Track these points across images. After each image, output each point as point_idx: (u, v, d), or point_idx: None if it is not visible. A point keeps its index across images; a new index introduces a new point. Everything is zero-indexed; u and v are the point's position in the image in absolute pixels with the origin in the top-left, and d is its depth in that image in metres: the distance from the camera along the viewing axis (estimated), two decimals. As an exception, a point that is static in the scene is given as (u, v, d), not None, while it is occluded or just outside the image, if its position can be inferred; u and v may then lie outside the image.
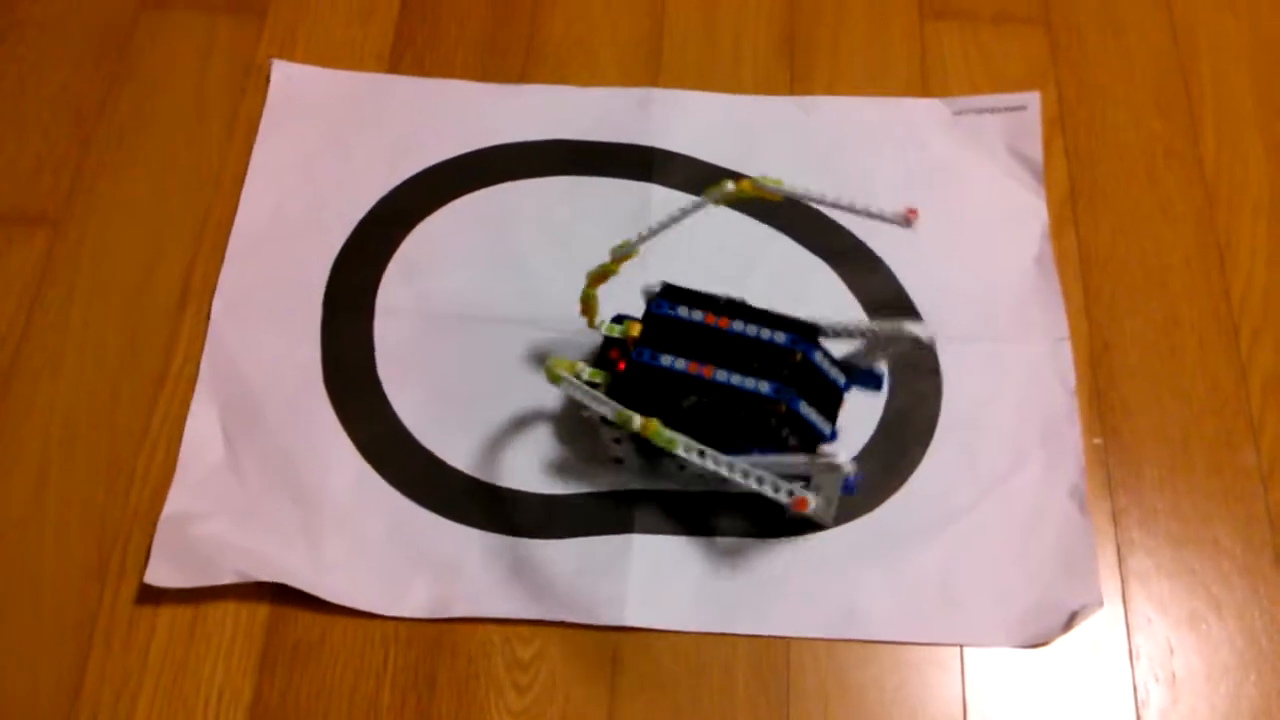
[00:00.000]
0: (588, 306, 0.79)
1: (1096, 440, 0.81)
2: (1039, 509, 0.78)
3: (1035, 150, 0.92)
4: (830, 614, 0.75)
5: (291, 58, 0.96)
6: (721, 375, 0.72)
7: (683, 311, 0.75)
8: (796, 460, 0.71)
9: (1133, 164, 0.92)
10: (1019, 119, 0.93)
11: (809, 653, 0.74)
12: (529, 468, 0.80)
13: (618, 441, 0.77)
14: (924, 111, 0.94)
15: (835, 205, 0.68)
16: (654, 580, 0.76)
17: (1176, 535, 0.78)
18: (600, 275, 0.76)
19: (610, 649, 0.74)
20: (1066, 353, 0.84)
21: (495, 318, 0.85)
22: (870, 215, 0.68)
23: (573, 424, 0.81)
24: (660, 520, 0.78)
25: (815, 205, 0.70)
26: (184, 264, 0.86)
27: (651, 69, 0.96)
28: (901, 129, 0.93)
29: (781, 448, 0.72)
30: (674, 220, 0.72)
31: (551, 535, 0.77)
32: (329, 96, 0.94)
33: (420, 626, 0.75)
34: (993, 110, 0.94)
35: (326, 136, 0.92)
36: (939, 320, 0.84)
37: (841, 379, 0.75)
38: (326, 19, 0.98)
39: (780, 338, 0.73)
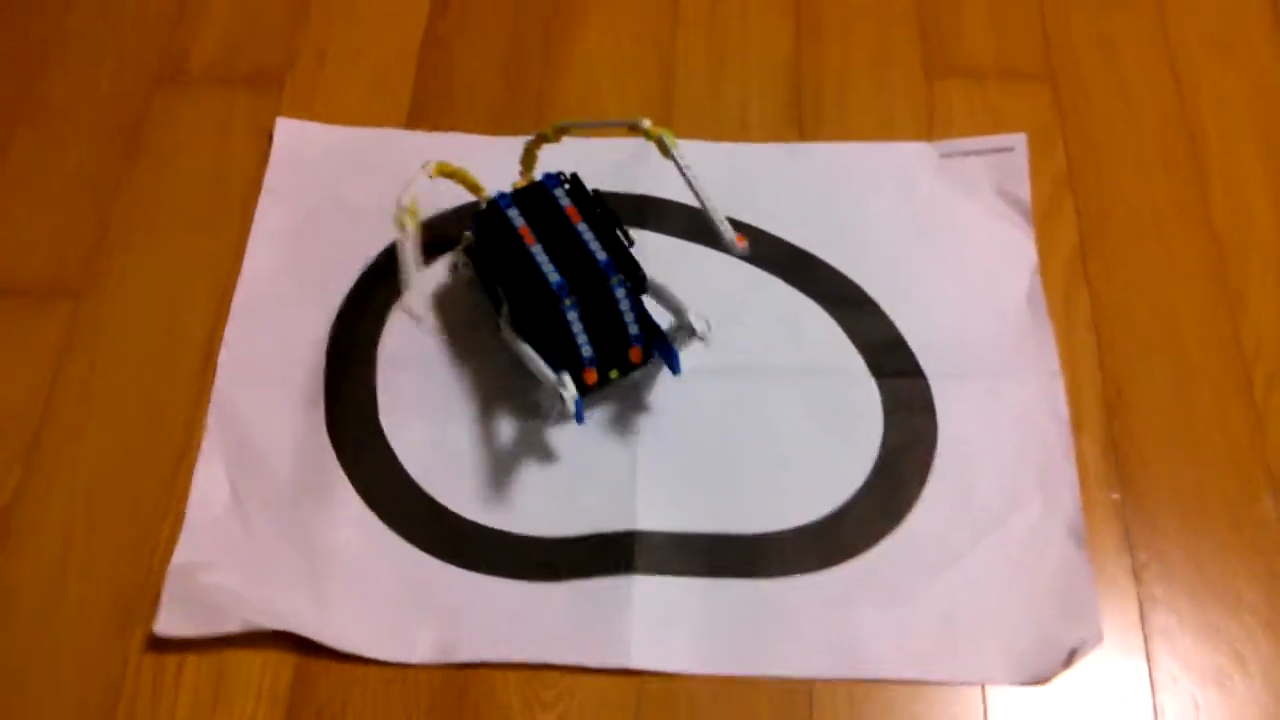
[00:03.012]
0: (526, 162, 0.86)
1: (1114, 496, 0.81)
2: (1037, 546, 0.79)
3: (1023, 190, 0.93)
4: (832, 654, 0.75)
5: (308, 126, 0.97)
6: (536, 249, 0.79)
7: (559, 193, 0.82)
8: (536, 362, 0.79)
9: (1142, 218, 0.93)
10: (1006, 160, 0.95)
11: (830, 712, 0.74)
12: (532, 512, 0.80)
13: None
14: (912, 155, 0.96)
15: (697, 195, 0.77)
16: (657, 622, 0.76)
17: (1198, 591, 0.78)
18: (541, 139, 0.84)
19: (630, 711, 0.74)
20: (1059, 387, 0.85)
21: (496, 365, 0.86)
22: (714, 224, 0.76)
23: (575, 468, 0.82)
24: (662, 561, 0.78)
25: (687, 185, 0.77)
26: (204, 333, 0.87)
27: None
28: (891, 172, 0.95)
29: (538, 340, 0.80)
30: (607, 124, 0.82)
31: (555, 579, 0.78)
32: (333, 151, 0.96)
33: (440, 691, 0.75)
34: (979, 153, 0.95)
35: (330, 190, 0.94)
36: (934, 359, 0.86)
37: (636, 329, 0.80)
38: (344, 88, 1.00)
39: (602, 257, 0.79)
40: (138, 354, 0.87)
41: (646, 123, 0.78)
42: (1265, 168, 0.95)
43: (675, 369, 0.83)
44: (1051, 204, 0.93)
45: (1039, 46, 1.01)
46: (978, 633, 0.76)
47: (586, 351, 0.79)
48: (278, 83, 1.00)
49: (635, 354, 0.81)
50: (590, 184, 0.83)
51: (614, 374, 0.82)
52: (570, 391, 0.77)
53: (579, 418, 0.79)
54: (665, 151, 0.78)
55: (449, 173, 0.84)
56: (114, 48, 1.01)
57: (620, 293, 0.79)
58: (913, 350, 0.86)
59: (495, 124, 0.97)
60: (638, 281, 0.80)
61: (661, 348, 0.83)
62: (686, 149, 0.93)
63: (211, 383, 0.85)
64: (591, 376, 0.81)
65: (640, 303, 0.81)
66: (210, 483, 0.81)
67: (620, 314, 0.79)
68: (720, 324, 0.86)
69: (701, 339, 0.80)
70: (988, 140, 0.96)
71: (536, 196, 0.82)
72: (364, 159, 0.95)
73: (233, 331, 0.87)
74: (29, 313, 0.88)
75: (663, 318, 0.83)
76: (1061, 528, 0.79)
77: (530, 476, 0.82)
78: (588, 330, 0.79)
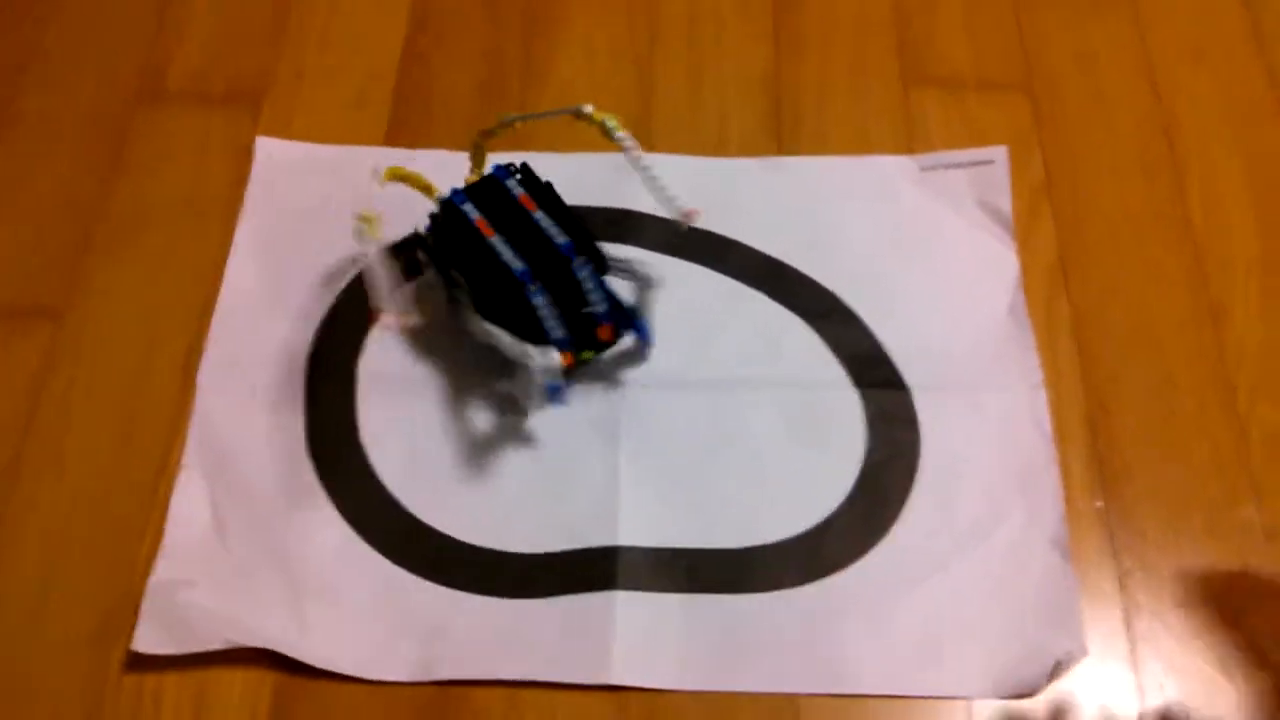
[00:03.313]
0: (476, 158, 0.86)
1: (1098, 504, 0.81)
2: (1021, 559, 0.78)
3: (1004, 203, 0.93)
4: (815, 669, 0.75)
5: (286, 145, 0.97)
6: (495, 240, 0.79)
7: (511, 184, 0.82)
8: (509, 341, 0.78)
9: (1121, 227, 0.93)
10: (987, 173, 0.95)
11: (819, 728, 0.73)
12: (511, 528, 0.80)
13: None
14: (893, 168, 0.96)
15: (646, 175, 0.77)
16: (638, 638, 0.76)
17: (1182, 597, 0.78)
18: (489, 132, 0.84)
19: (616, 730, 0.74)
20: (1042, 399, 0.84)
21: (477, 380, 0.86)
22: (663, 200, 0.77)
23: (556, 484, 0.82)
24: (643, 577, 0.78)
25: (631, 162, 0.77)
26: (183, 352, 0.87)
27: (641, 144, 0.97)
28: (871, 186, 0.95)
29: (508, 324, 0.79)
30: (551, 114, 0.80)
31: (535, 595, 0.78)
32: (312, 169, 0.96)
33: (422, 710, 0.74)
34: (960, 165, 0.95)
35: (309, 207, 0.94)
36: (916, 371, 0.86)
37: (603, 307, 0.81)
38: (322, 107, 0.99)
39: (562, 240, 0.79)
40: (118, 372, 0.86)
41: (589, 108, 0.78)
42: (1243, 174, 0.95)
43: (645, 339, 0.84)
44: (1030, 214, 0.93)
45: (1016, 57, 1.02)
46: (962, 646, 0.75)
47: (558, 334, 0.79)
48: (256, 99, 0.99)
49: (604, 331, 0.82)
50: (569, 198, 0.83)
51: (587, 354, 0.83)
52: (555, 358, 0.77)
53: (555, 396, 0.79)
54: (608, 135, 0.78)
55: (400, 177, 0.84)
56: (95, 64, 1.01)
57: (584, 273, 0.79)
58: (895, 363, 0.86)
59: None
60: (599, 261, 0.80)
61: (630, 324, 0.84)
62: (665, 163, 0.95)
63: (192, 400, 0.85)
64: (566, 359, 0.81)
65: (604, 281, 0.81)
66: (190, 499, 0.81)
67: (585, 294, 0.80)
68: (701, 339, 0.86)
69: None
70: (968, 153, 0.96)
71: (489, 189, 0.83)
72: (343, 176, 0.95)
73: (212, 347, 0.87)
74: (8, 332, 0.88)
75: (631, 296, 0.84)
76: (1045, 539, 0.79)
77: (511, 492, 0.82)
78: (556, 314, 0.80)
